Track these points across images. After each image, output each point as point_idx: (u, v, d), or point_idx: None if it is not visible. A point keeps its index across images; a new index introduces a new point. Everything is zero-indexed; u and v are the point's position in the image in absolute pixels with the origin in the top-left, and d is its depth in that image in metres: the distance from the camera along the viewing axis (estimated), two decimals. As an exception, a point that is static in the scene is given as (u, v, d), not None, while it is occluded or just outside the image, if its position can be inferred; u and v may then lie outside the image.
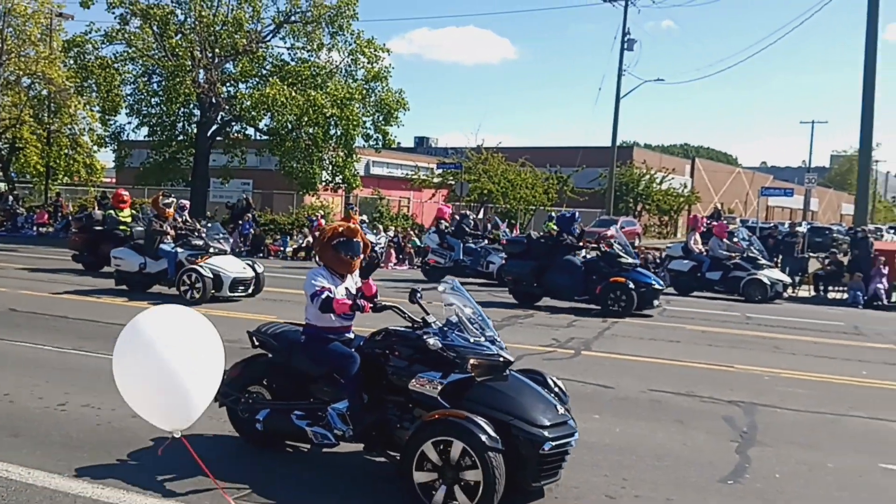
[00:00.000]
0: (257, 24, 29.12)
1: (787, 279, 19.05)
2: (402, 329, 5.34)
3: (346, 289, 5.53)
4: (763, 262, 18.66)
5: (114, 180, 46.91)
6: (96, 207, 21.50)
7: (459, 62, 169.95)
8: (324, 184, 31.07)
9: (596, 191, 42.90)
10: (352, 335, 5.61)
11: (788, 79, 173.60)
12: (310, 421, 5.37)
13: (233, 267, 13.82)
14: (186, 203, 20.64)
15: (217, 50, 28.50)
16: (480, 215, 34.18)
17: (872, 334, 13.50)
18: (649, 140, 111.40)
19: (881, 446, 6.61)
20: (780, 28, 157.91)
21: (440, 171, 38.05)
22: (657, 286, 14.54)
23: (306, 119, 27.87)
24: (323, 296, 5.27)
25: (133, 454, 5.57)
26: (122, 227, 16.95)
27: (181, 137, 30.78)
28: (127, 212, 17.77)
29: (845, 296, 19.06)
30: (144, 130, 31.12)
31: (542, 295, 14.91)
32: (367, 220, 26.13)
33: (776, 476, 5.74)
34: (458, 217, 20.74)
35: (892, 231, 55.75)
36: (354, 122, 28.80)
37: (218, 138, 30.46)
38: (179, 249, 13.93)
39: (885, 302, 18.59)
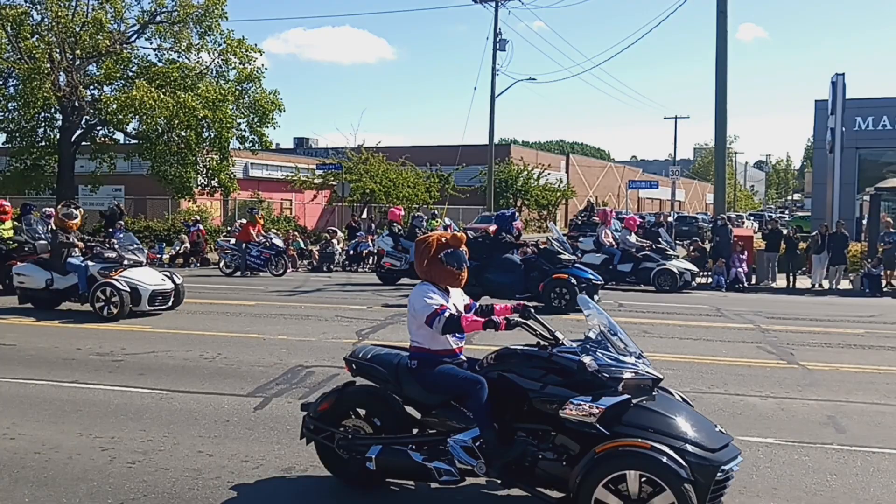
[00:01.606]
0: (120, 24, 27.94)
1: (695, 268, 19.68)
2: (531, 348, 4.87)
3: (454, 304, 5.00)
4: (671, 252, 19.34)
5: (-31, 190, 43.88)
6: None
7: (337, 62, 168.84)
8: (199, 188, 30.16)
9: (476, 188, 43.67)
10: (463, 357, 5.05)
11: (653, 75, 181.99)
12: (428, 455, 4.78)
13: (150, 279, 13.06)
14: (51, 211, 19.62)
15: (78, 52, 27.11)
16: (364, 215, 34.18)
17: (732, 315, 14.41)
18: (526, 137, 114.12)
19: (739, 419, 7.09)
20: (641, 27, 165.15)
21: (321, 171, 37.67)
22: (596, 281, 14.78)
23: (177, 122, 26.95)
24: (445, 315, 4.73)
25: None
26: (5, 241, 16.04)
27: (43, 143, 29.11)
28: (8, 224, 16.65)
29: (709, 280, 20.23)
30: (2, 137, 29.32)
31: (482, 294, 14.44)
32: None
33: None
34: (411, 219, 20.55)
35: (752, 218, 59.45)
36: (228, 124, 28.08)
37: (84, 143, 29.02)
38: (90, 263, 13.08)
39: (745, 284, 19.86)
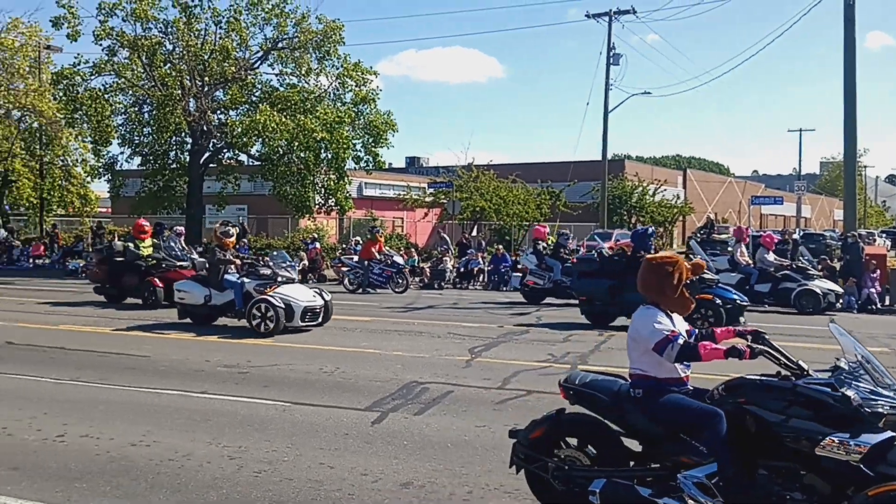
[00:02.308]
0: (245, 51, 29.33)
1: (839, 289, 18.42)
2: (771, 378, 4.50)
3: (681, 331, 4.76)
4: (813, 272, 18.26)
5: (109, 210, 47.02)
6: (116, 238, 21.48)
7: (447, 82, 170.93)
8: (317, 207, 31.18)
9: (589, 204, 43.08)
10: (691, 386, 4.74)
11: (776, 88, 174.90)
12: (656, 491, 4.50)
13: (302, 296, 13.24)
14: (181, 230, 20.79)
15: (206, 78, 28.67)
16: (474, 233, 34.35)
17: (866, 338, 13.55)
18: (640, 153, 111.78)
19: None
20: (764, 37, 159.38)
21: (432, 190, 38.18)
22: (742, 302, 14.15)
23: (297, 143, 28.00)
24: (679, 341, 4.47)
25: (131, 483, 5.59)
26: (144, 258, 17.16)
27: (174, 165, 30.92)
28: (148, 242, 17.76)
29: (840, 301, 19.14)
30: (137, 160, 31.28)
31: (618, 314, 14.32)
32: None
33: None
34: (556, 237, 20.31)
35: (884, 235, 55.97)
36: (344, 145, 28.94)
37: (211, 165, 30.59)
38: (246, 279, 13.44)
39: (878, 306, 18.68)
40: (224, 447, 6.42)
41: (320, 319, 13.40)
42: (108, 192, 36.34)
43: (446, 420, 7.42)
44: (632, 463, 4.76)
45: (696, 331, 4.90)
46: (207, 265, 14.22)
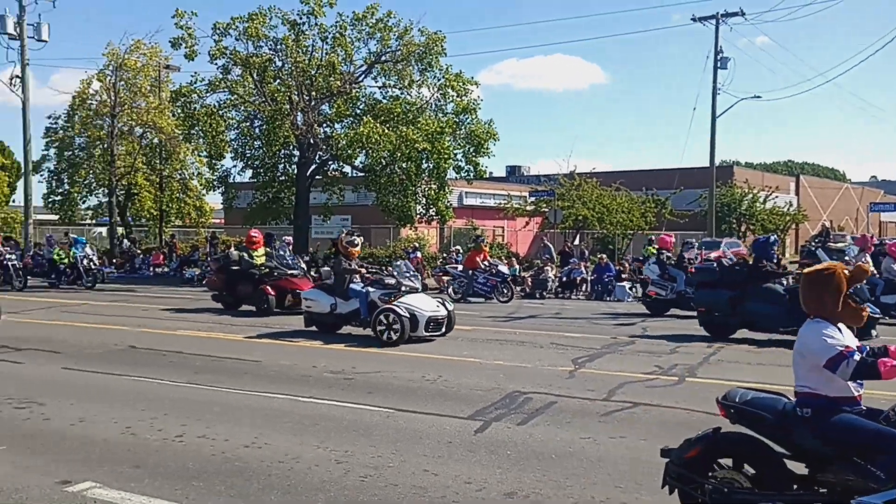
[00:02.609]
0: (350, 65, 30.04)
1: None
2: None
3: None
4: None
5: (222, 221, 49.14)
6: (232, 248, 22.14)
7: (548, 90, 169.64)
8: (418, 216, 31.56)
9: (696, 213, 41.88)
10: (864, 406, 4.46)
11: (893, 88, 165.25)
12: None
13: (427, 305, 13.22)
14: (290, 239, 21.47)
15: (313, 93, 29.55)
16: (576, 242, 33.98)
17: None
18: (750, 158, 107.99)
19: None
20: (881, 38, 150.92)
21: (533, 198, 38.03)
22: (874, 314, 13.16)
23: (399, 154, 28.45)
24: (855, 358, 4.20)
25: (245, 483, 5.79)
26: (258, 267, 17.79)
27: (283, 178, 31.98)
28: (260, 251, 18.36)
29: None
30: (249, 173, 32.51)
31: (739, 326, 13.77)
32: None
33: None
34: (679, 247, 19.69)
35: None
36: (446, 156, 29.19)
37: (317, 177, 31.45)
38: (371, 289, 13.54)
39: None
40: (331, 451, 6.57)
41: (443, 330, 13.33)
42: (222, 203, 38.00)
43: (550, 431, 7.35)
44: (795, 486, 4.53)
45: (867, 346, 4.55)
46: (333, 274, 14.36)
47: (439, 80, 29.79)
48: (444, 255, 30.26)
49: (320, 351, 12.31)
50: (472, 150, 29.97)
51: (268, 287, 17.46)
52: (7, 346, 12.35)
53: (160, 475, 5.95)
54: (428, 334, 13.06)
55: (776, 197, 47.67)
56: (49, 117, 39.44)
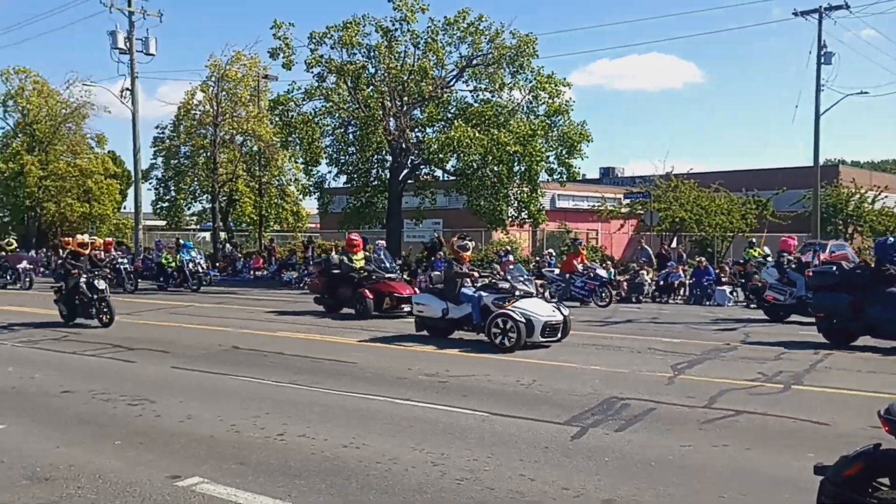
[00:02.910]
0: (441, 70, 30.28)
1: None
2: None
3: None
4: None
5: (318, 225, 50.35)
6: (333, 252, 22.50)
7: (643, 90, 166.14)
8: (510, 219, 31.50)
9: (799, 213, 40.18)
10: None
11: None
12: None
13: (542, 310, 12.83)
14: (383, 243, 21.80)
15: (405, 98, 29.94)
16: (673, 244, 33.17)
17: None
18: (856, 157, 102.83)
19: None
20: None
21: (628, 200, 37.33)
22: None
23: (491, 158, 28.48)
24: None
25: (344, 482, 5.89)
26: (357, 270, 18.00)
27: (376, 182, 32.52)
28: (360, 255, 18.60)
29: None
30: (343, 178, 33.21)
31: (861, 332, 13.12)
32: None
33: None
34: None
35: None
36: (538, 158, 29.05)
37: (409, 181, 31.84)
38: (483, 293, 13.22)
39: None
40: (427, 453, 6.62)
41: (559, 335, 12.92)
42: (318, 208, 38.93)
43: (649, 438, 7.19)
44: None
45: None
46: (444, 278, 14.24)
47: (531, 82, 29.68)
48: (537, 258, 30.07)
49: (415, 354, 12.43)
50: (564, 151, 29.73)
51: (366, 290, 17.64)
52: (121, 345, 13.01)
53: (263, 472, 6.12)
54: (544, 340, 12.65)
55: (885, 197, 45.21)
56: (157, 128, 41.53)
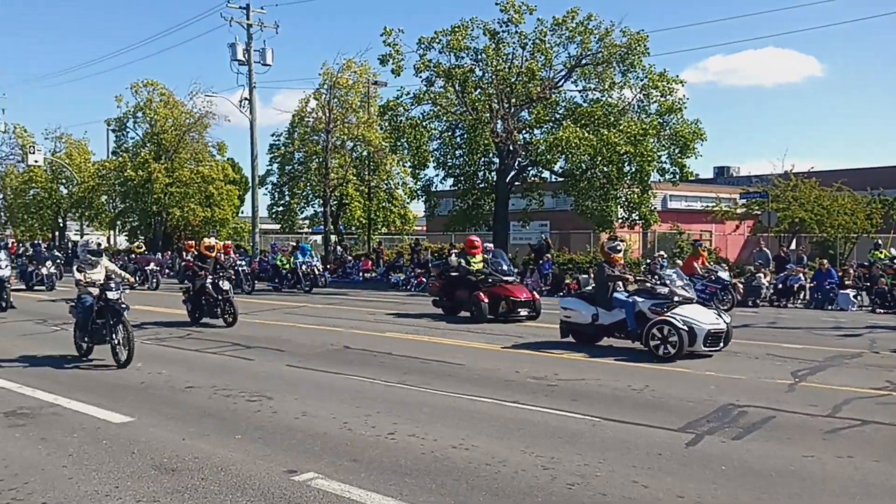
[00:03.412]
0: (549, 71, 30.10)
1: None
2: None
3: None
4: None
5: (424, 228, 51.03)
6: (451, 254, 21.96)
7: (758, 86, 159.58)
8: (620, 221, 30.95)
9: (931, 213, 37.62)
10: None
11: None
12: None
13: (705, 318, 12.00)
14: (491, 246, 21.78)
15: (513, 100, 29.93)
16: (792, 246, 31.69)
17: None
18: None
19: None
20: None
21: (744, 200, 35.93)
22: None
23: (600, 158, 28.09)
24: None
25: (453, 483, 5.93)
26: (474, 273, 17.76)
27: (482, 185, 32.63)
28: (478, 257, 18.32)
29: None
30: (450, 181, 33.50)
31: None
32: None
33: None
34: None
35: None
36: (649, 158, 28.43)
37: (516, 183, 31.80)
38: (639, 299, 12.46)
39: None
40: (537, 457, 6.58)
41: (721, 344, 12.10)
42: (424, 211, 39.46)
43: (768, 447, 6.90)
44: None
45: None
46: (595, 282, 13.66)
47: (642, 80, 29.12)
48: (648, 260, 29.39)
49: (522, 357, 12.37)
50: (677, 151, 29.01)
51: (480, 293, 17.25)
52: (239, 344, 13.58)
53: (375, 469, 6.25)
54: (706, 349, 11.83)
55: None
56: (273, 135, 43.14)
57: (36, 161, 52.98)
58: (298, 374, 10.76)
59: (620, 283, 12.98)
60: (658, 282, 12.77)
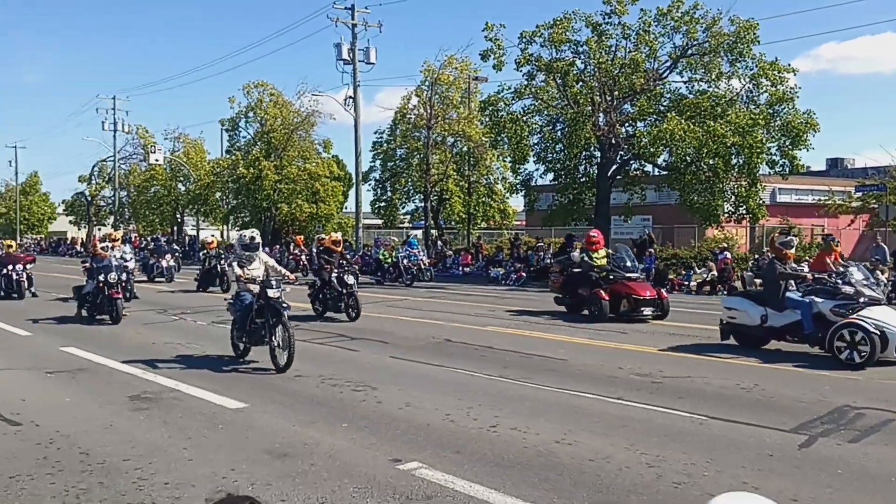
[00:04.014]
0: (653, 62, 29.41)
1: None
2: None
3: None
4: None
5: (523, 223, 50.87)
6: (576, 249, 21.10)
7: (876, 73, 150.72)
8: (726, 215, 29.97)
9: None
10: None
11: None
12: None
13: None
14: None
15: (615, 93, 29.40)
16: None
17: None
18: None
19: None
20: None
21: (859, 193, 34.22)
22: None
23: (706, 151, 27.25)
24: None
25: (557, 478, 5.93)
26: (595, 269, 16.71)
27: (583, 179, 32.22)
28: (601, 252, 17.33)
29: None
30: (550, 175, 33.25)
31: None
32: None
33: None
34: None
35: None
36: (758, 150, 27.39)
37: (618, 177, 31.25)
38: (818, 299, 11.34)
39: None
40: (641, 454, 6.49)
41: None
42: (524, 206, 39.31)
43: (887, 451, 6.59)
44: None
45: None
46: (765, 280, 12.60)
47: (751, 69, 28.03)
48: (756, 256, 28.35)
49: (624, 352, 12.20)
50: (787, 142, 27.84)
51: (601, 291, 16.24)
52: (345, 335, 13.95)
53: (479, 461, 6.32)
54: None
55: None
56: (375, 132, 43.97)
57: (156, 160, 56.05)
58: (402, 366, 10.97)
59: (793, 281, 11.83)
60: (840, 280, 11.54)
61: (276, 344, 10.37)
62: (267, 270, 11.04)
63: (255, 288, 10.65)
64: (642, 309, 16.08)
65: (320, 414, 8.00)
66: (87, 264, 17.19)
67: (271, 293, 10.41)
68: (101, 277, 15.76)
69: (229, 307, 11.41)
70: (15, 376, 10.34)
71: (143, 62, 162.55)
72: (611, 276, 16.58)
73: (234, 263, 11.00)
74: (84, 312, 16.27)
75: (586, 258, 17.20)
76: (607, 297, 16.17)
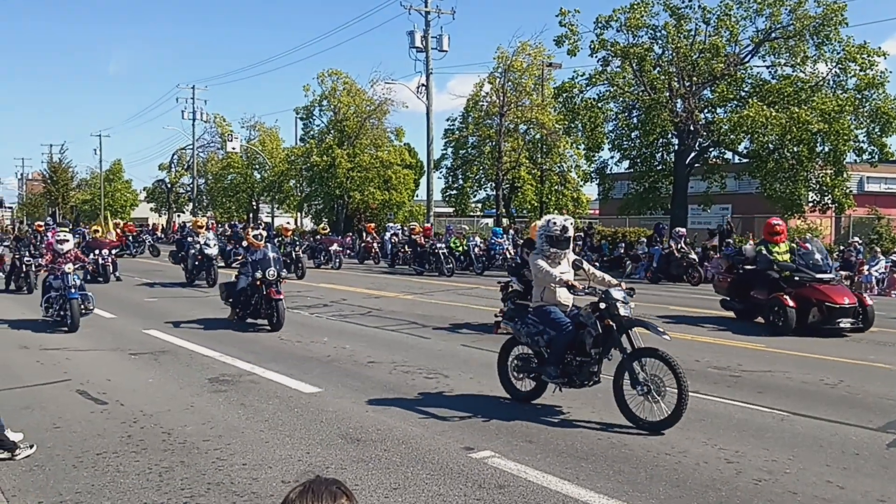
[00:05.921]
0: (735, 46, 28.52)
1: None
2: None
3: None
4: None
5: (597, 212, 50.18)
6: (748, 242, 18.28)
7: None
8: (810, 205, 28.90)
9: None
10: None
11: None
12: None
13: None
14: (683, 231, 20.90)
15: (694, 78, 28.64)
16: None
17: None
18: None
19: None
20: None
21: (957, 183, 32.50)
22: None
23: (789, 138, 26.33)
24: None
25: (632, 471, 5.83)
26: (776, 266, 13.54)
27: (660, 167, 31.55)
28: (783, 246, 13.91)
29: None
30: (625, 163, 32.68)
31: None
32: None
33: None
34: None
35: None
36: (845, 137, 26.30)
37: (696, 165, 30.48)
38: None
39: None
40: (720, 449, 6.32)
41: None
42: (598, 194, 38.80)
43: None
44: None
45: None
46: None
47: (839, 53, 26.91)
48: (842, 247, 27.28)
49: (703, 345, 11.89)
50: (877, 129, 26.66)
51: (784, 296, 12.91)
52: (416, 322, 14.03)
53: (551, 452, 6.26)
54: None
55: None
56: (447, 120, 44.01)
57: (233, 148, 57.39)
58: (472, 354, 10.96)
59: None
60: None
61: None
62: (587, 276, 7.77)
63: (568, 298, 7.71)
64: (838, 320, 12.72)
65: (393, 400, 8.05)
66: (240, 257, 13.90)
67: (622, 310, 7.26)
68: (258, 274, 12.74)
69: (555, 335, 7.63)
70: (101, 357, 10.75)
71: (221, 52, 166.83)
72: (796, 277, 13.21)
73: (545, 263, 7.63)
74: (236, 313, 13.54)
75: (764, 252, 13.83)
76: (794, 305, 12.79)
